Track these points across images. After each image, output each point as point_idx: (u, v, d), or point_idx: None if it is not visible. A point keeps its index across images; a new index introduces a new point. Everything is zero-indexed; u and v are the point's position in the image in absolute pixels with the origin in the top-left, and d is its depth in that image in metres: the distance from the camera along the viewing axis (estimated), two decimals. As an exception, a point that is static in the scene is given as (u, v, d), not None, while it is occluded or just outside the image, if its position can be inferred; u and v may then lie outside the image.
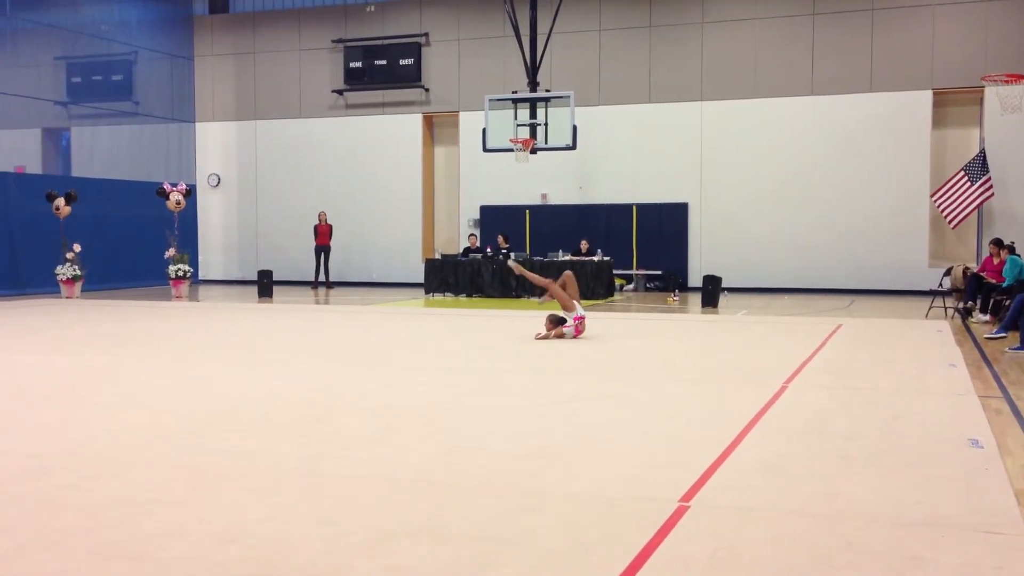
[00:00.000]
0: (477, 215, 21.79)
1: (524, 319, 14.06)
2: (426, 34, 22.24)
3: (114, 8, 22.71)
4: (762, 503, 4.36)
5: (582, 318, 10.89)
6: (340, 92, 22.82)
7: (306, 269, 21.91)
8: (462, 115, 21.87)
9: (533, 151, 18.45)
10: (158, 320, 13.88)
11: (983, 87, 17.59)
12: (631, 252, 20.40)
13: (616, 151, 20.66)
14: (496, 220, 21.23)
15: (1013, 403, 6.98)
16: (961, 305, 14.17)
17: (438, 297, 18.50)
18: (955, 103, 19.25)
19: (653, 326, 13.13)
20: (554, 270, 17.99)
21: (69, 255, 18.35)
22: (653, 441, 5.69)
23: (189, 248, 20.40)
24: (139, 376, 8.41)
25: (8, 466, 5.10)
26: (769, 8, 19.78)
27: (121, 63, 22.87)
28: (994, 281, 13.54)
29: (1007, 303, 12.28)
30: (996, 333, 11.16)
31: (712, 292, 16.08)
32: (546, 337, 10.71)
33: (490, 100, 18.93)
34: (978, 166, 17.88)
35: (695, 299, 17.49)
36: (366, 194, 22.60)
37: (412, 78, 22.22)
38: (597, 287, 17.65)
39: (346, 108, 22.95)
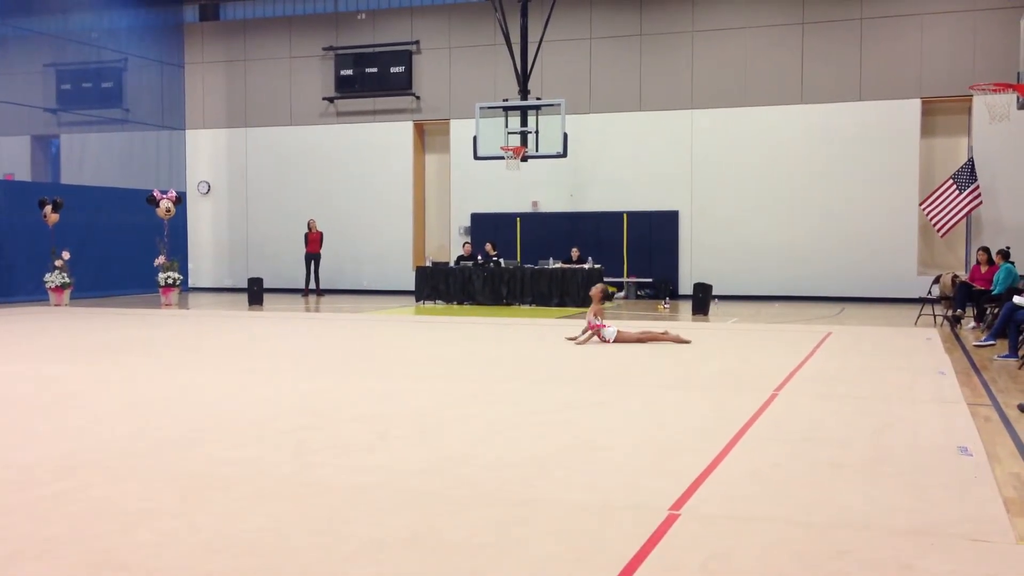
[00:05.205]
0: (468, 223, 21.79)
1: (515, 327, 14.08)
2: (417, 42, 22.26)
3: (104, 15, 22.65)
4: (753, 511, 4.38)
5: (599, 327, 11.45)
6: (331, 100, 22.81)
7: (296, 277, 21.87)
8: (453, 123, 21.88)
9: (524, 159, 18.44)
10: (148, 328, 13.83)
11: (971, 96, 17.66)
12: (622, 260, 20.43)
13: (607, 159, 20.70)
14: (487, 228, 21.23)
15: (1002, 411, 7.01)
16: (950, 313, 14.23)
17: (429, 305, 18.48)
18: (944, 112, 19.36)
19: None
20: (544, 278, 18.06)
21: (58, 262, 18.28)
22: (644, 449, 5.70)
23: (179, 256, 20.34)
24: (129, 385, 8.38)
25: (-2, 475, 5.08)
26: (759, 17, 19.87)
27: (111, 70, 22.81)
28: (983, 288, 13.61)
29: (996, 311, 12.34)
30: (985, 341, 11.20)
31: (702, 300, 16.10)
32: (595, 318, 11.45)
33: (481, 108, 18.93)
34: (966, 175, 17.96)
35: (686, 307, 17.52)
36: (357, 202, 22.58)
37: (403, 86, 22.23)
38: (587, 295, 17.64)
39: (337, 116, 22.94)
